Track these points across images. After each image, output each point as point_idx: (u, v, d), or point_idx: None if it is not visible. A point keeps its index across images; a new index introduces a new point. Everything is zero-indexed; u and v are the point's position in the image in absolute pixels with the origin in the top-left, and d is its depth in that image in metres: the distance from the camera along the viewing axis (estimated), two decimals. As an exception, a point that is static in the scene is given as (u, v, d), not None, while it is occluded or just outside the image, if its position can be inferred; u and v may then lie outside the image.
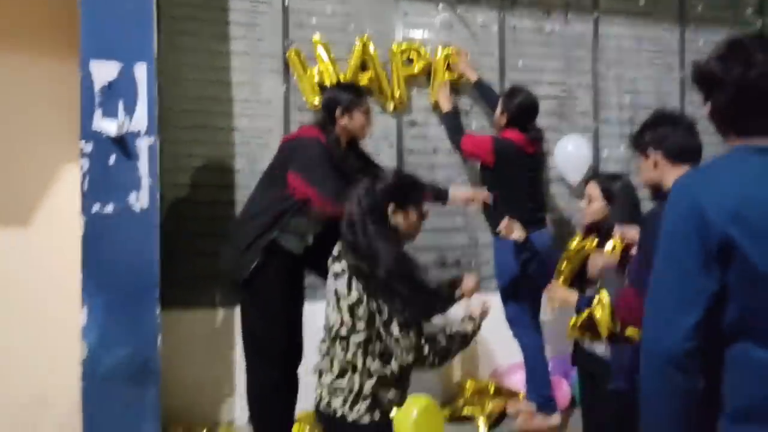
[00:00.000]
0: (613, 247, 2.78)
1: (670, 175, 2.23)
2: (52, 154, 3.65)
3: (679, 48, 4.63)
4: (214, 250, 3.47)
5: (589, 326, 2.43)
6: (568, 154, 4.00)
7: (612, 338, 2.48)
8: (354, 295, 2.05)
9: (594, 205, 2.86)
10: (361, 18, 3.92)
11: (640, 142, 2.39)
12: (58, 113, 3.62)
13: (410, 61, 3.95)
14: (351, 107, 3.05)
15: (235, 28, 3.70)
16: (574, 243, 2.87)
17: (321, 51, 3.75)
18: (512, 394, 3.79)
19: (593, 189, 2.94)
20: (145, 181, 3.07)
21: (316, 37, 3.77)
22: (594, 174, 3.21)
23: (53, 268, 3.61)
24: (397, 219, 2.19)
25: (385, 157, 3.92)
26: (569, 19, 4.34)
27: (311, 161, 2.92)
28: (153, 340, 3.08)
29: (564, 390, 3.76)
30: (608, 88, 4.45)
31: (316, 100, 3.64)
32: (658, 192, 2.32)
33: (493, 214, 3.50)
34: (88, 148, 3.01)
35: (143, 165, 3.07)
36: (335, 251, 2.20)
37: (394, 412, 2.12)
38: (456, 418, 3.66)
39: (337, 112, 3.03)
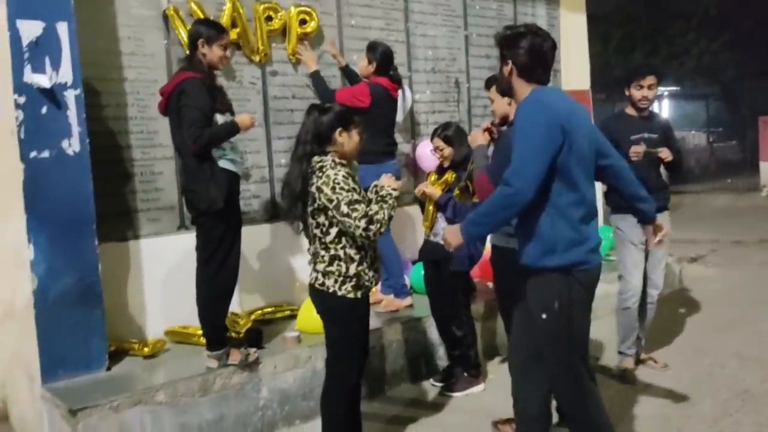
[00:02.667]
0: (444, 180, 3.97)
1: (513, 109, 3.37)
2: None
3: (463, 12, 5.89)
4: (122, 190, 3.98)
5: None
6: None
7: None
8: (315, 204, 2.86)
9: (445, 152, 3.98)
10: (225, -21, 4.47)
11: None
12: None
13: (269, 18, 4.63)
14: (211, 40, 3.53)
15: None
16: (433, 177, 4.01)
17: (195, 8, 4.26)
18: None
19: (438, 142, 4.04)
20: (75, 129, 3.45)
21: (189, -5, 4.28)
22: (433, 131, 4.13)
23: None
24: (344, 139, 2.95)
25: (255, 102, 4.62)
26: (387, -15, 5.33)
27: (184, 107, 3.36)
28: (94, 269, 3.53)
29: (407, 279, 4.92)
30: (416, 44, 5.56)
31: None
32: (505, 122, 3.46)
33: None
34: (22, 100, 3.29)
35: (72, 114, 3.44)
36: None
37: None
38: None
39: (201, 42, 3.51)
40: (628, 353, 4.26)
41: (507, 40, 2.64)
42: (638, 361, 4.36)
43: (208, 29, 3.57)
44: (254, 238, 4.45)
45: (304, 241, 3.11)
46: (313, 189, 2.85)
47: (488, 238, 4.02)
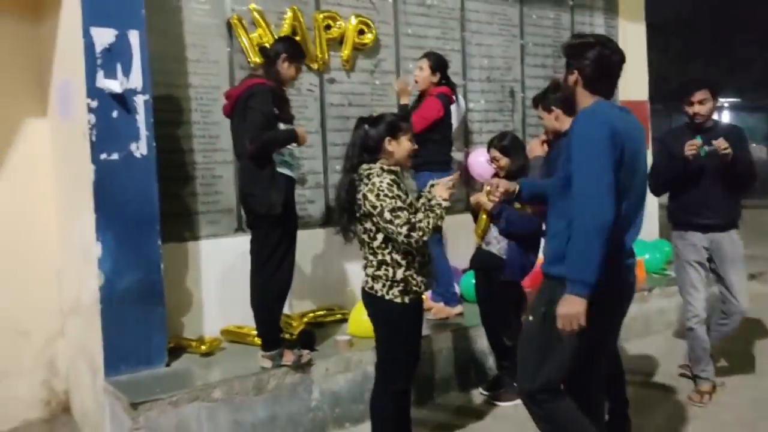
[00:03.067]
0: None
1: (567, 122, 3.36)
2: (15, 110, 3.92)
3: (520, 21, 5.88)
4: (184, 192, 4.11)
5: None
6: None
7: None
8: (361, 211, 2.92)
9: (502, 162, 3.98)
10: (286, -11, 4.59)
11: (545, 102, 3.52)
12: (18, 72, 3.91)
13: (328, 27, 4.72)
14: (290, 56, 3.69)
15: (185, -4, 4.19)
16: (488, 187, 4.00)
17: (257, 17, 4.39)
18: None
19: (495, 152, 4.05)
20: (143, 132, 3.59)
21: (252, 5, 4.40)
22: (490, 141, 4.15)
23: (26, 214, 3.95)
24: (393, 147, 2.98)
25: (312, 109, 4.72)
26: (443, -5, 5.37)
27: (250, 109, 3.47)
28: (157, 267, 3.66)
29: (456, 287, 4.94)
30: (472, 53, 5.58)
31: (258, 60, 4.31)
32: (558, 135, 3.45)
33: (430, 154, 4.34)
34: (94, 104, 3.45)
35: (141, 118, 3.58)
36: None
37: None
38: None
39: (281, 58, 3.64)
40: (702, 376, 4.05)
41: (575, 49, 2.62)
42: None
43: (294, 50, 3.73)
44: (308, 242, 4.53)
45: (357, 246, 3.16)
46: (360, 196, 2.91)
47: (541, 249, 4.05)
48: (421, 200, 3.04)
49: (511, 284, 4.12)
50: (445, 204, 2.96)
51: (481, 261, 4.20)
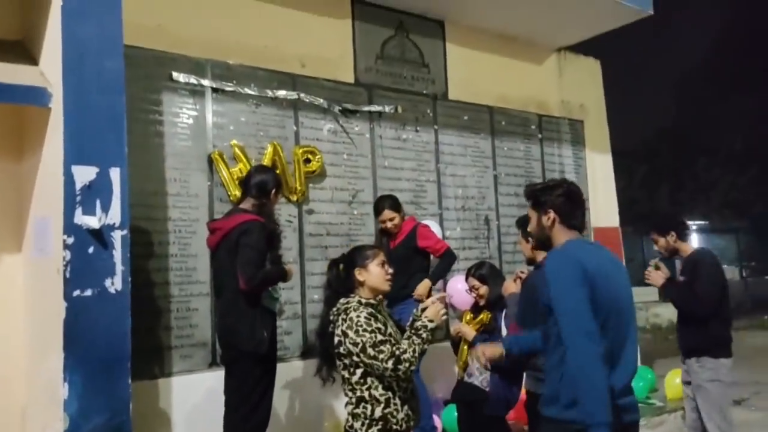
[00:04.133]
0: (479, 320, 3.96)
1: (541, 254, 3.41)
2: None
3: (492, 153, 6.11)
4: (157, 326, 4.02)
5: None
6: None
7: None
8: (341, 348, 2.86)
9: (481, 290, 3.98)
10: (267, 126, 4.74)
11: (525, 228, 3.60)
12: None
13: (308, 161, 4.85)
14: (279, 188, 3.80)
15: (169, 132, 4.30)
16: (468, 317, 3.98)
17: (238, 152, 4.50)
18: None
19: (473, 281, 4.06)
20: (119, 268, 3.54)
21: (234, 141, 4.53)
22: (468, 270, 4.12)
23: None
24: (364, 277, 2.96)
25: (290, 239, 4.74)
26: (418, 130, 5.59)
27: (245, 246, 3.53)
28: (126, 408, 3.50)
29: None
30: (447, 183, 5.74)
31: (238, 193, 4.37)
32: (533, 263, 3.50)
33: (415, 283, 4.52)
34: (70, 240, 3.42)
35: (117, 254, 3.54)
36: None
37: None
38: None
39: (272, 193, 3.73)
40: None
41: (544, 191, 2.70)
42: None
43: (278, 179, 3.82)
44: (285, 375, 4.41)
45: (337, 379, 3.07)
46: (339, 332, 2.86)
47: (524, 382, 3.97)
48: (414, 324, 2.89)
49: (495, 419, 4.00)
50: (431, 325, 2.86)
51: (463, 393, 4.08)
